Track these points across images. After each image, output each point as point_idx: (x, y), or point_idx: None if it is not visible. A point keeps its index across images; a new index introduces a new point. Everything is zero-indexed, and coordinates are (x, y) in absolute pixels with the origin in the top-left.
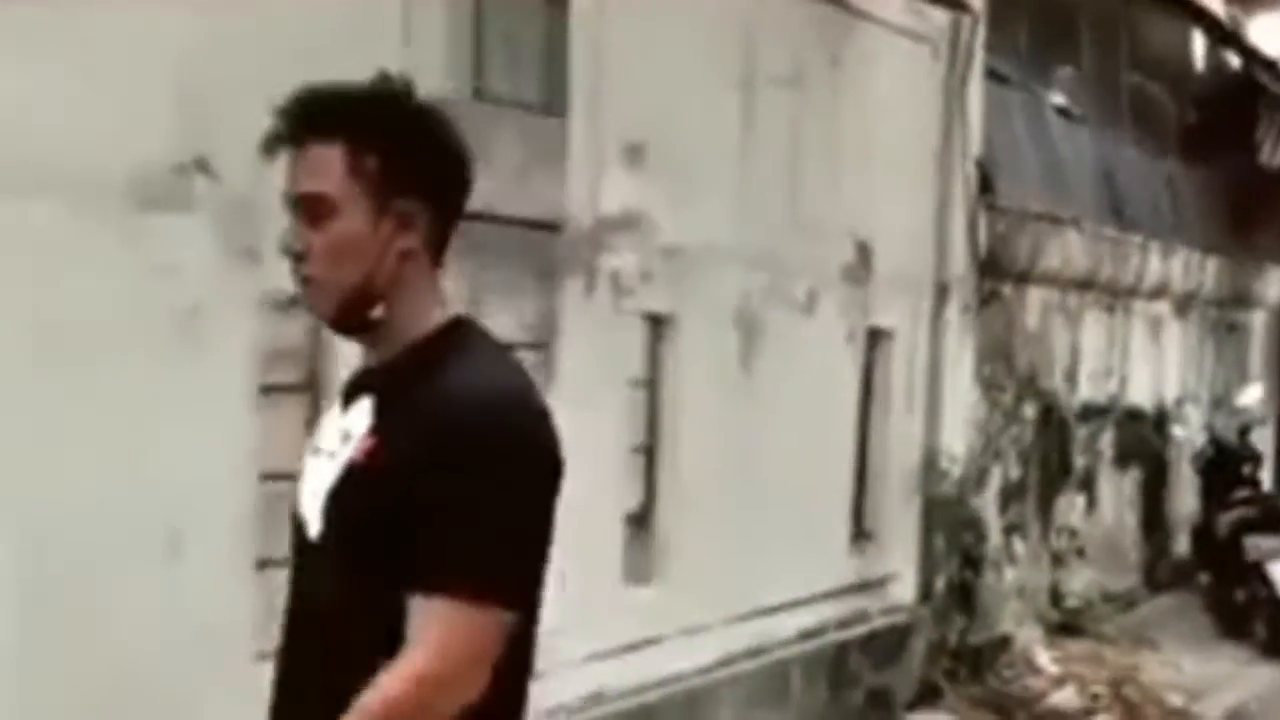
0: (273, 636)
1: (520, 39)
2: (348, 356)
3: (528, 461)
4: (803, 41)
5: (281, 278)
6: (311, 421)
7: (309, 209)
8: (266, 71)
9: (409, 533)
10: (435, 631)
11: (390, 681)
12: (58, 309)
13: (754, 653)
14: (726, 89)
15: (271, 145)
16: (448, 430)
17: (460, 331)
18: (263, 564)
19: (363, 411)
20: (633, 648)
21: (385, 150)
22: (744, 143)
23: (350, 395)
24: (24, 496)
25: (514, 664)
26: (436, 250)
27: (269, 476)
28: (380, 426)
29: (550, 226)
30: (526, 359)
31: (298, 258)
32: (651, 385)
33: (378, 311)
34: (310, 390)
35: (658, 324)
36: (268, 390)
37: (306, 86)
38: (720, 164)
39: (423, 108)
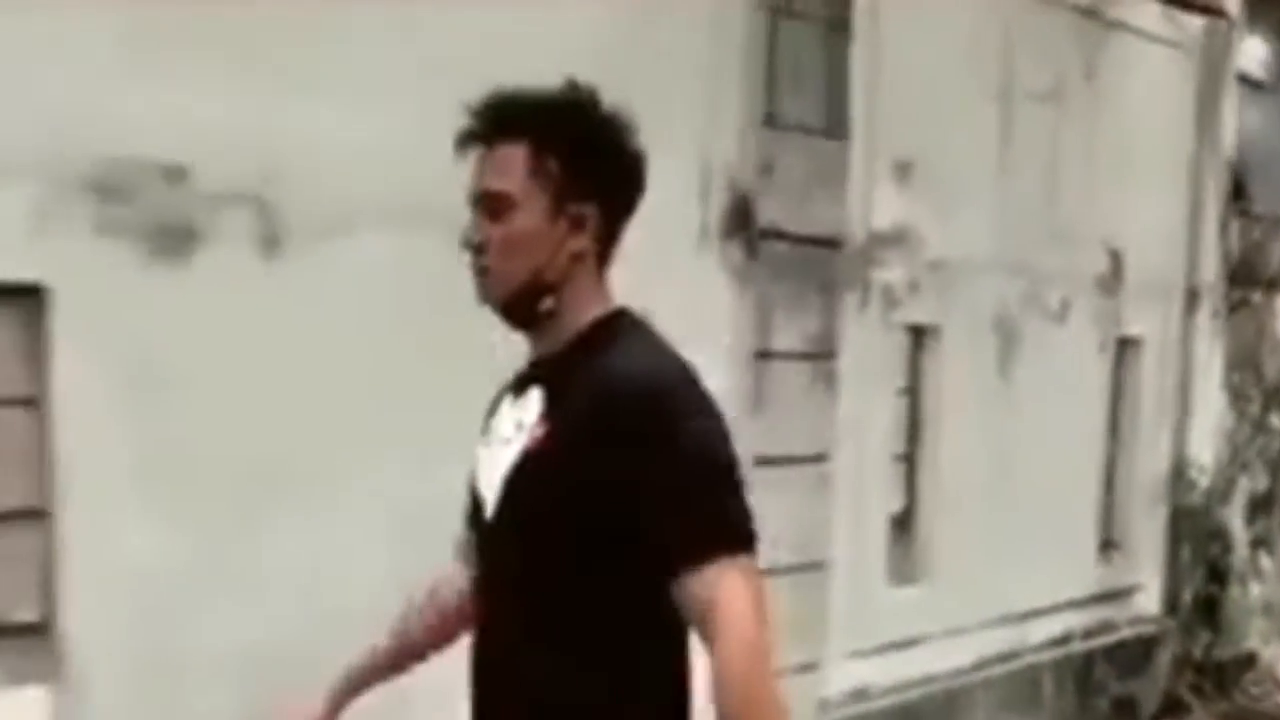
0: None
1: (806, 68)
2: None
3: (703, 415)
4: (1059, 54)
5: None
6: None
7: (491, 205)
8: None
9: (606, 514)
10: (730, 596)
11: (731, 668)
12: (439, 328)
13: (1007, 657)
14: (986, 104)
15: (463, 144)
16: (617, 408)
17: (620, 321)
18: None
19: (533, 401)
20: (895, 647)
21: (567, 155)
22: (1003, 156)
23: (521, 386)
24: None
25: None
26: (605, 250)
27: None
28: (550, 414)
29: (831, 243)
30: (809, 370)
31: (477, 250)
32: (913, 393)
33: (546, 305)
34: None
35: (920, 334)
36: None
37: (498, 90)
38: (981, 177)
39: (606, 116)
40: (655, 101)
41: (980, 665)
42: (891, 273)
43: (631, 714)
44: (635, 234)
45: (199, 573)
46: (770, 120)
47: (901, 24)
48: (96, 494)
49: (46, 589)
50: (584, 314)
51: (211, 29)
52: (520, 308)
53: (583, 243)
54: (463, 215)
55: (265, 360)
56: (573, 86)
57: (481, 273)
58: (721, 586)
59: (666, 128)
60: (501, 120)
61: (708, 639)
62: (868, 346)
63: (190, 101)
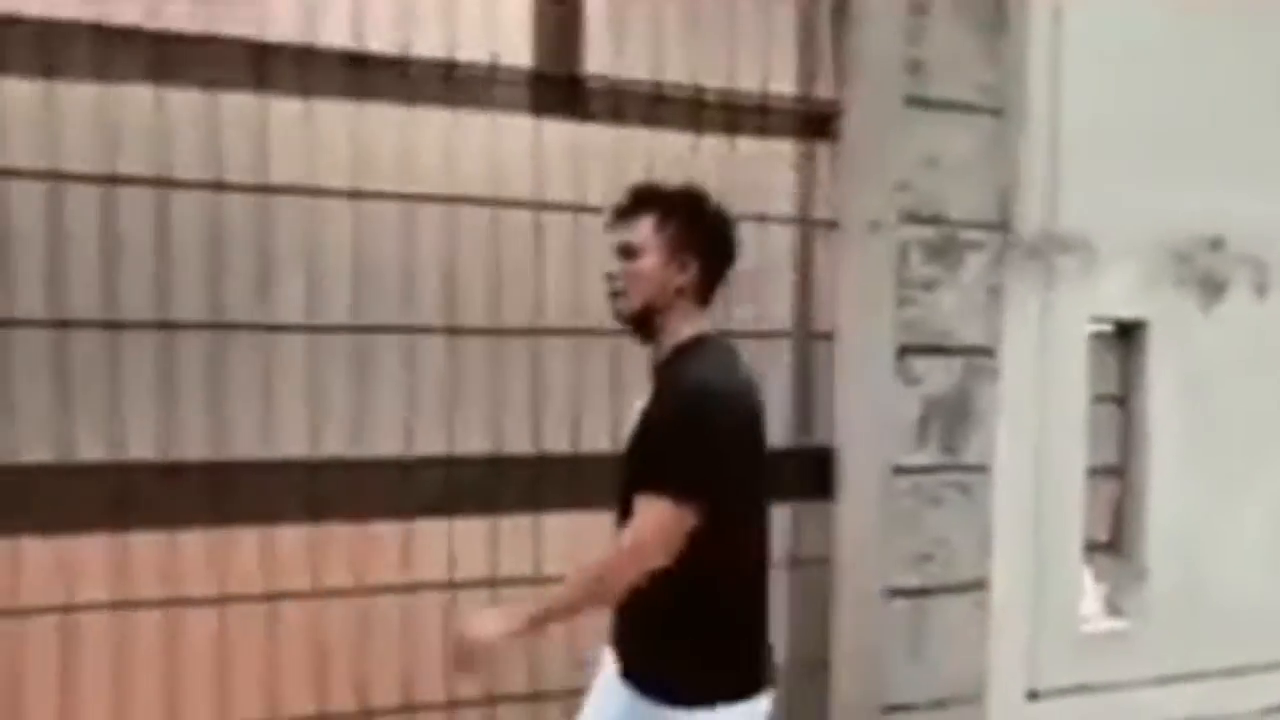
0: None
1: None
2: None
3: (717, 416)
4: None
5: None
6: None
7: (627, 251)
8: None
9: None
10: (639, 518)
11: (608, 550)
12: None
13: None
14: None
15: (619, 217)
16: (671, 403)
17: (700, 343)
18: None
19: (647, 394)
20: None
21: (680, 222)
22: None
23: (652, 377)
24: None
25: (716, 552)
26: (705, 292)
27: None
28: (650, 404)
29: None
30: None
31: (613, 279)
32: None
33: (657, 323)
34: None
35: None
36: None
37: (641, 183)
38: None
39: (709, 204)
40: None
41: None
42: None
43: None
44: None
45: (1212, 527)
46: None
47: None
48: (1157, 460)
49: (1118, 523)
50: (681, 335)
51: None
52: (638, 323)
53: (683, 281)
54: None
55: (1263, 366)
56: (689, 184)
57: (614, 296)
58: (639, 512)
59: None
60: (641, 200)
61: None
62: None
63: (1223, 195)
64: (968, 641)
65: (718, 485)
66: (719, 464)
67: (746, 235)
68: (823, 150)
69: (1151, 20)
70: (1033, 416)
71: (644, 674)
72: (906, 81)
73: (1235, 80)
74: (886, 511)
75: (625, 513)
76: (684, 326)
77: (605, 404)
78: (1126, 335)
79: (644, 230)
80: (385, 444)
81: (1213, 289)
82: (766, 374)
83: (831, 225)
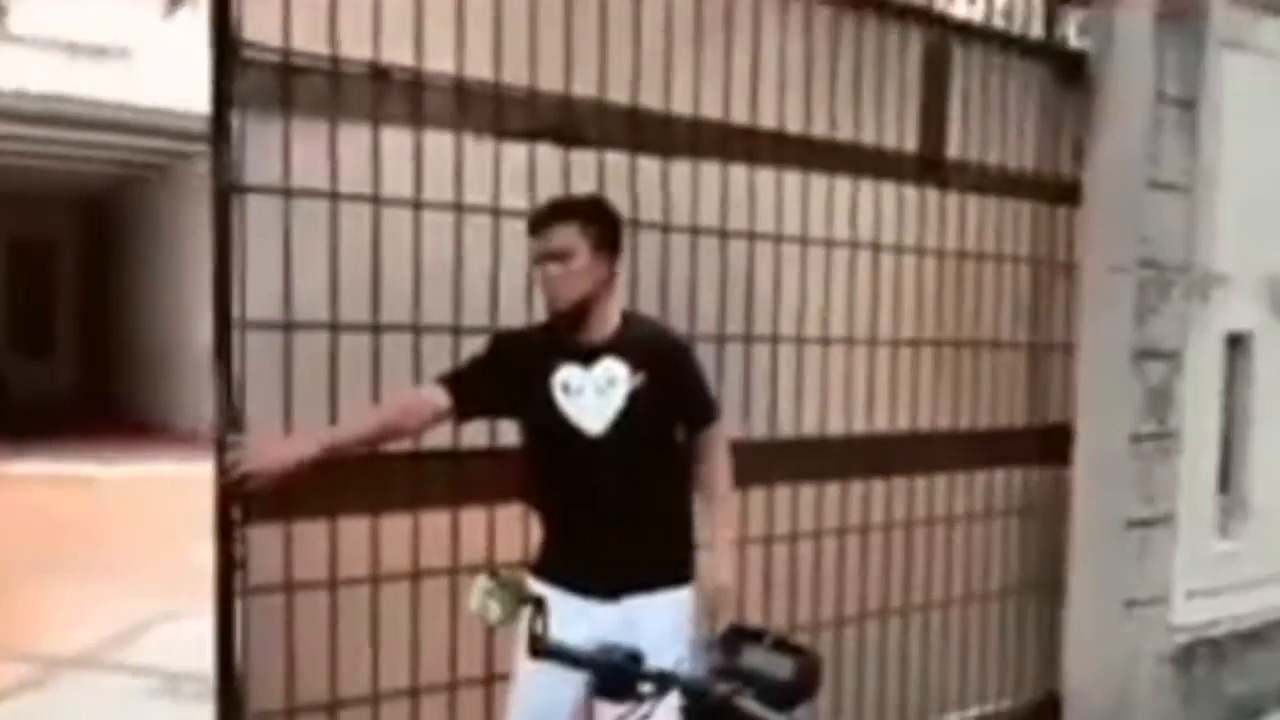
0: None
1: None
2: None
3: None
4: None
5: None
6: None
7: (560, 255)
8: None
9: (685, 405)
10: (724, 446)
11: (724, 467)
12: None
13: None
14: None
15: (537, 227)
16: (683, 351)
17: (634, 314)
18: None
19: (613, 365)
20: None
21: (597, 226)
22: None
23: (587, 360)
24: None
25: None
26: (614, 279)
27: None
28: (639, 365)
29: None
30: None
31: (551, 281)
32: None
33: (594, 310)
34: None
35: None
36: None
37: (555, 198)
38: None
39: (610, 206)
40: None
41: None
42: None
43: (686, 520)
44: None
45: None
46: None
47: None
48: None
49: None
50: (614, 313)
51: None
52: (576, 315)
53: (606, 273)
54: None
55: None
56: (594, 196)
57: (552, 296)
58: (719, 437)
59: None
60: (561, 212)
61: (715, 454)
62: None
63: None
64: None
65: None
66: None
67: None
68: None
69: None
70: (1197, 400)
71: (684, 564)
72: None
73: None
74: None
75: (619, 473)
76: (612, 307)
77: None
78: (1235, 343)
79: (570, 236)
80: None
81: None
82: None
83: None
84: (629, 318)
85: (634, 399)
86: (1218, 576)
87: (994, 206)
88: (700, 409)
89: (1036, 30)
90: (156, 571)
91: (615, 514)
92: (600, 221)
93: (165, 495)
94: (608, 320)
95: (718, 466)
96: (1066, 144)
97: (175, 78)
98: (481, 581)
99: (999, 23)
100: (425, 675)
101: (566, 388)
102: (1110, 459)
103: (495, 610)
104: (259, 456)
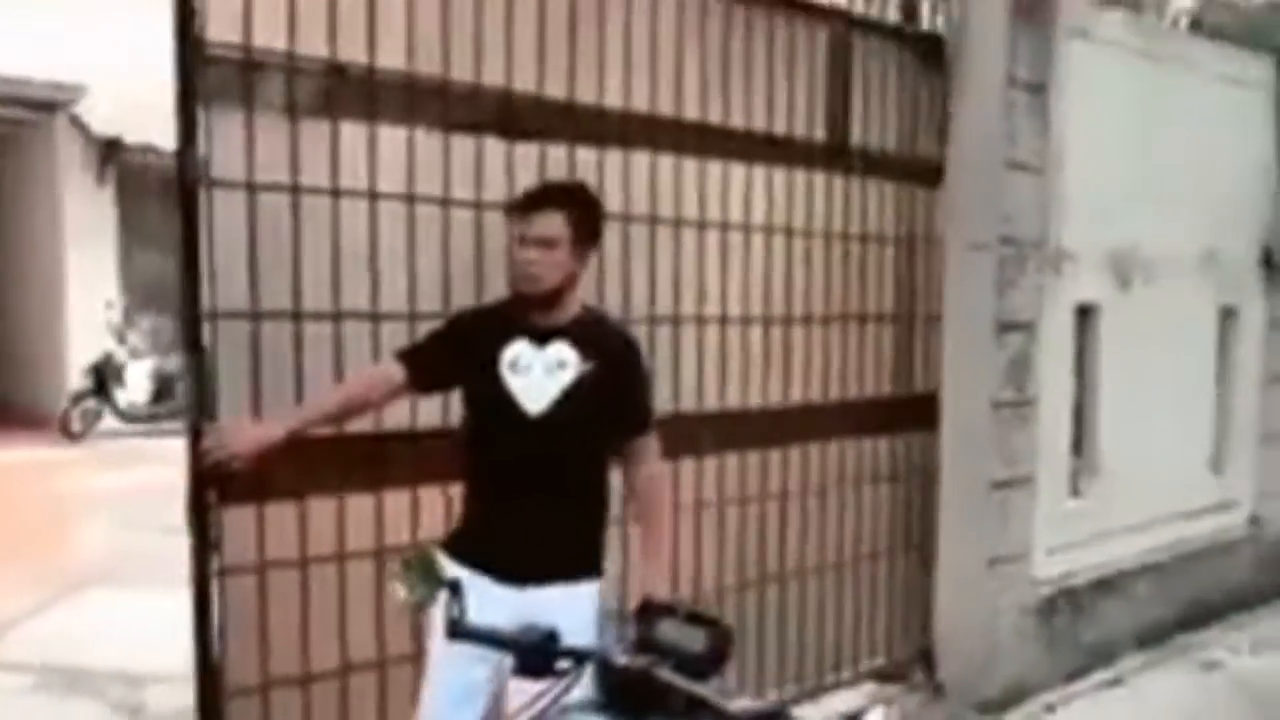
0: None
1: None
2: None
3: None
4: None
5: None
6: None
7: (546, 242)
8: None
9: (624, 406)
10: (658, 457)
11: (660, 478)
12: None
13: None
14: None
15: (523, 210)
16: (634, 353)
17: (595, 308)
18: None
19: (564, 349)
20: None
21: (585, 219)
22: None
23: (541, 340)
24: None
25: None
26: (584, 267)
27: None
28: (589, 355)
29: None
30: None
31: (530, 264)
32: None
33: (563, 298)
34: None
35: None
36: None
37: (549, 181)
38: None
39: (597, 200)
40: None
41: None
42: None
43: (603, 517)
44: None
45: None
46: None
47: None
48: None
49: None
50: (575, 302)
51: None
52: (548, 300)
53: (582, 266)
54: None
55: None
56: (582, 185)
57: (529, 278)
58: (653, 448)
59: None
60: (553, 197)
61: (648, 465)
62: None
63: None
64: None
65: None
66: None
67: None
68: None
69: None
70: (1052, 369)
71: (598, 558)
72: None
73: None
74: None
75: (553, 456)
76: (576, 296)
77: None
78: (1084, 314)
79: (557, 224)
80: None
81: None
82: None
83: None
84: (590, 309)
85: (578, 385)
86: (1073, 532)
87: (874, 189)
88: (638, 414)
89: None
90: (23, 564)
91: (540, 498)
92: (586, 213)
93: (26, 483)
94: (568, 307)
95: (652, 478)
96: (931, 126)
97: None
98: (394, 566)
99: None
100: (392, 648)
101: (515, 364)
102: (974, 425)
103: (403, 592)
104: (233, 441)
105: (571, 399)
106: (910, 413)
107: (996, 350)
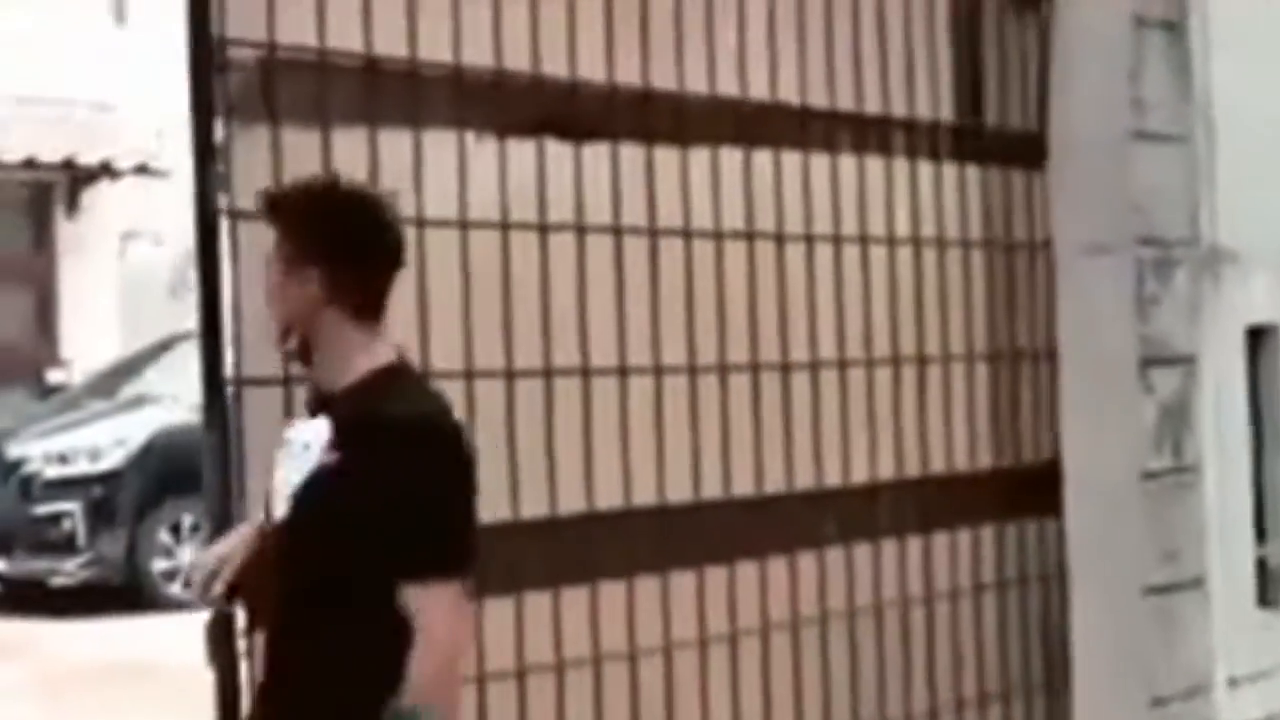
0: None
1: None
2: None
3: (459, 466)
4: None
5: None
6: None
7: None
8: None
9: (379, 526)
10: (442, 608)
11: (430, 656)
12: None
13: None
14: None
15: (265, 219)
16: (422, 453)
17: (392, 372)
18: None
19: (322, 428)
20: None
21: (294, 228)
22: None
23: (312, 411)
24: None
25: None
26: (355, 304)
27: None
28: (339, 443)
29: None
30: None
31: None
32: None
33: (292, 343)
34: None
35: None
36: None
37: (271, 188)
38: None
39: (326, 196)
40: None
41: None
42: None
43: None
44: None
45: None
46: None
47: None
48: None
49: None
50: (353, 361)
51: None
52: (301, 347)
53: (305, 295)
54: None
55: None
56: (329, 179)
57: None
58: (435, 603)
59: None
60: (269, 208)
61: (420, 636)
62: None
63: None
64: None
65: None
66: (472, 518)
67: None
68: None
69: None
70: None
71: None
72: None
73: None
74: None
75: (285, 573)
76: (355, 353)
77: None
78: (1256, 339)
79: (273, 239)
80: None
81: None
82: None
83: None
84: (391, 377)
85: (313, 483)
86: (1266, 654)
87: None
88: (407, 548)
89: None
90: None
91: (271, 652)
92: (301, 222)
93: None
94: (344, 365)
95: (418, 653)
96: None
97: None
98: None
99: None
100: None
101: (283, 443)
102: (1115, 505)
103: None
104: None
105: (304, 504)
106: (1019, 490)
107: (1141, 396)
